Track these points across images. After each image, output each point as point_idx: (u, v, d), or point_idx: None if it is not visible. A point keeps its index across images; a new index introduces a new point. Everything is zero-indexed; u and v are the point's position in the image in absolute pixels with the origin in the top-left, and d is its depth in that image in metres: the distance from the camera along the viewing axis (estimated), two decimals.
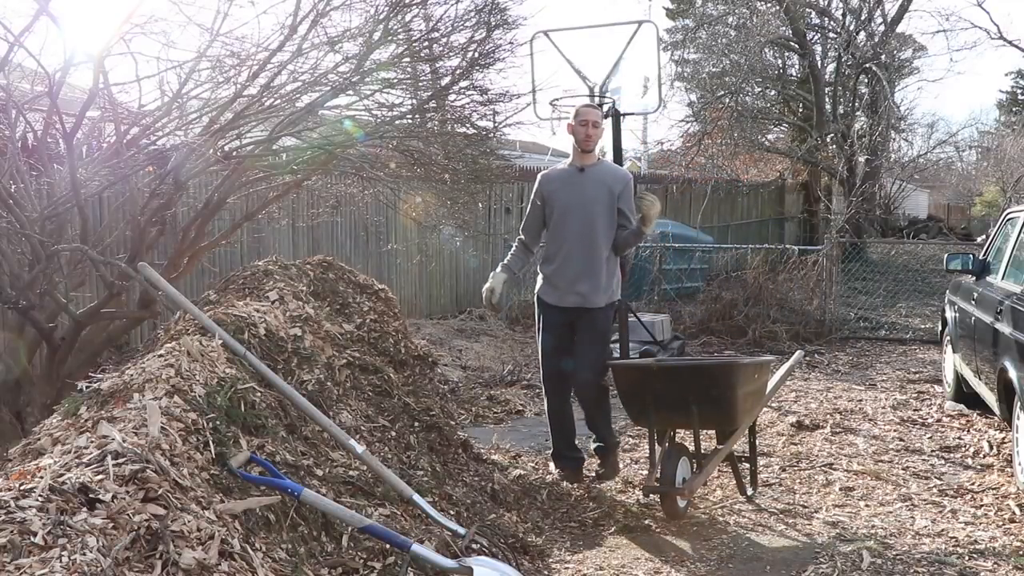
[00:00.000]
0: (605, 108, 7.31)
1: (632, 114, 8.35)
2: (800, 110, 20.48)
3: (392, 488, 3.28)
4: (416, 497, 3.14)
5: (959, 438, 5.85)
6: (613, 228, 4.70)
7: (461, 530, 3.11)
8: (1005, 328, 4.96)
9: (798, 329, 9.92)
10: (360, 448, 3.25)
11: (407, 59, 5.38)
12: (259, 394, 3.29)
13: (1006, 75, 43.38)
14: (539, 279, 4.89)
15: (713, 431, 4.62)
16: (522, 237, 4.97)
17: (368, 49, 4.93)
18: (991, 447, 5.52)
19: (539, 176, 4.92)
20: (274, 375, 3.37)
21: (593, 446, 4.90)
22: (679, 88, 17.84)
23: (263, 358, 3.55)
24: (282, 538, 2.83)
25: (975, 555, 3.82)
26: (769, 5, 17.59)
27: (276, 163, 5.39)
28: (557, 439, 4.87)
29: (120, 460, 2.44)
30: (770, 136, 21.12)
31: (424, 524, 3.40)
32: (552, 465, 4.91)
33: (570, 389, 4.83)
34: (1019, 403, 4.74)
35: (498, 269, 4.89)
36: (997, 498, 4.62)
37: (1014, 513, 4.37)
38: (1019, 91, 37.93)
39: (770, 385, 4.83)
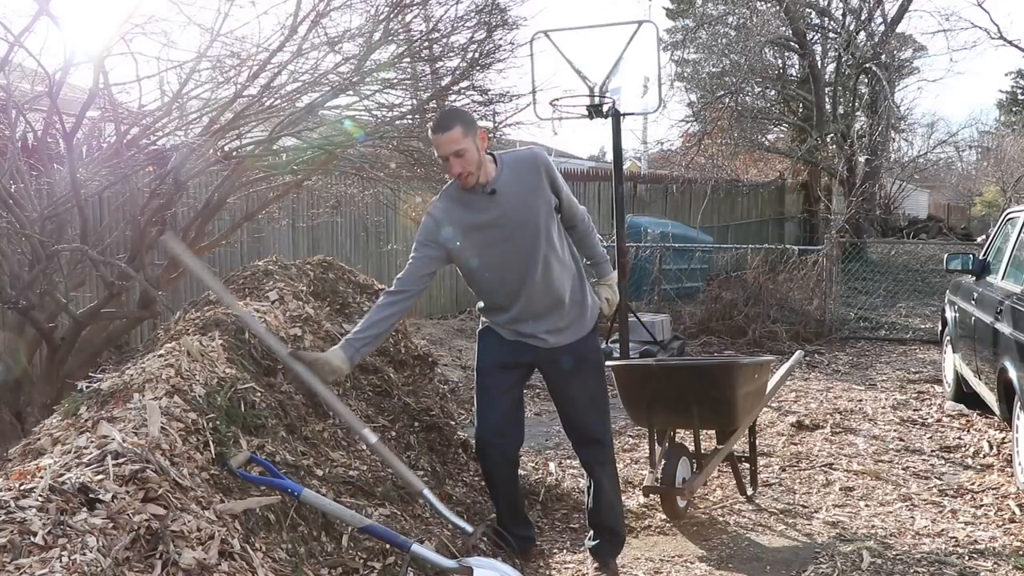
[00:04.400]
0: (605, 108, 7.34)
1: (632, 114, 8.36)
2: (800, 110, 20.47)
3: (403, 479, 3.16)
4: (427, 492, 3.08)
5: (959, 438, 5.85)
6: (561, 230, 3.43)
7: (468, 528, 3.10)
8: (1005, 328, 4.96)
9: (798, 329, 9.92)
10: (374, 438, 3.13)
11: (407, 59, 5.39)
12: (259, 394, 3.29)
13: (1006, 75, 43.38)
14: (483, 313, 3.58)
15: (713, 431, 4.62)
16: (396, 286, 3.32)
17: (368, 49, 4.94)
18: (991, 447, 5.52)
19: (429, 211, 3.37)
20: (279, 345, 3.21)
21: (591, 544, 3.60)
22: (679, 88, 17.84)
23: (263, 358, 3.55)
24: (282, 538, 2.83)
25: (975, 555, 3.82)
26: (769, 5, 17.59)
27: (276, 163, 5.40)
28: (503, 514, 3.68)
29: (120, 460, 2.44)
30: (770, 136, 21.12)
31: (424, 524, 3.40)
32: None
33: (517, 452, 3.65)
34: (1019, 403, 4.74)
35: (336, 348, 3.23)
36: (997, 498, 4.62)
37: (1014, 513, 4.37)
38: (1019, 91, 37.91)
39: (770, 385, 4.83)
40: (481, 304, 3.55)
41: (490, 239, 3.30)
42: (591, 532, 3.63)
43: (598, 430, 3.53)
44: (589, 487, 3.60)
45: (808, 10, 19.25)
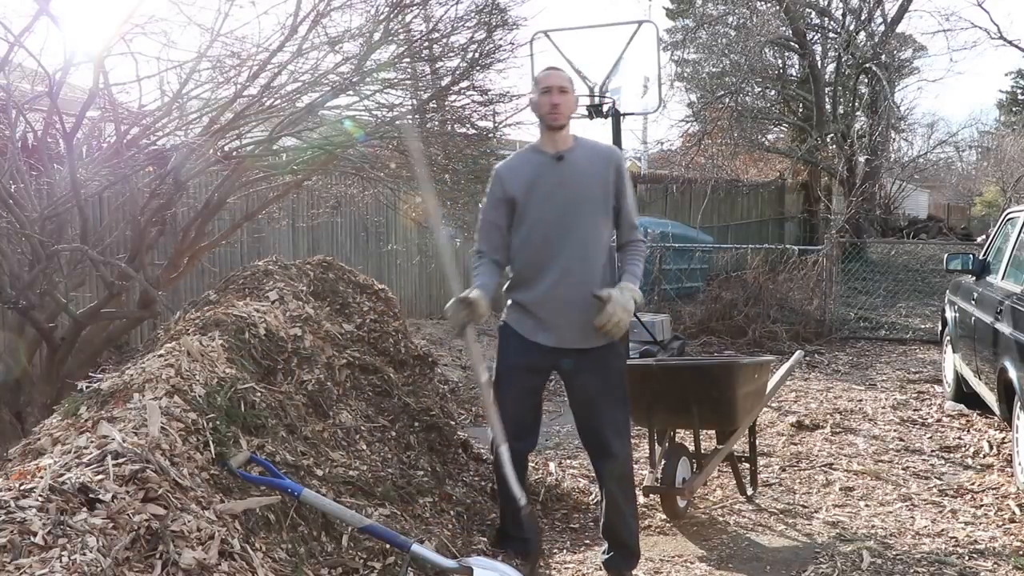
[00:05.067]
0: (605, 108, 7.34)
1: (632, 114, 8.35)
2: (800, 110, 20.48)
3: (494, 429, 3.27)
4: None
5: (959, 438, 5.85)
6: (611, 229, 3.50)
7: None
8: (1005, 328, 4.96)
9: (798, 329, 9.92)
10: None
11: (407, 59, 5.39)
12: (259, 394, 3.29)
13: (1006, 75, 43.35)
14: (508, 306, 3.57)
15: (713, 431, 4.62)
16: (483, 250, 3.52)
17: (368, 49, 4.94)
18: (991, 447, 5.52)
19: (496, 169, 3.57)
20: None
21: (604, 557, 3.53)
22: (679, 88, 17.84)
23: (263, 358, 3.55)
24: (282, 538, 2.83)
25: (975, 555, 3.82)
26: (769, 5, 17.59)
27: (276, 163, 5.40)
28: (506, 517, 3.63)
29: (120, 460, 2.44)
30: (770, 136, 21.12)
31: (424, 524, 3.40)
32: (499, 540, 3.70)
33: (526, 456, 3.66)
34: (1019, 403, 4.74)
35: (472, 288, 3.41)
36: (997, 498, 4.62)
37: (1014, 513, 4.37)
38: (1019, 91, 37.91)
39: (770, 385, 4.83)
40: (509, 281, 3.53)
41: (545, 198, 3.39)
42: (605, 545, 3.55)
43: (613, 443, 3.42)
44: (602, 501, 3.53)
45: (808, 10, 19.26)
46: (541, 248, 3.41)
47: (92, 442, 2.55)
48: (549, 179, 3.40)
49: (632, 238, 3.54)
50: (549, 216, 3.39)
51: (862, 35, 19.46)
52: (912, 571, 3.63)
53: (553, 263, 3.37)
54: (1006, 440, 5.53)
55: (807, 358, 8.62)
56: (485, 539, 3.65)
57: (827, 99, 19.08)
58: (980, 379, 5.69)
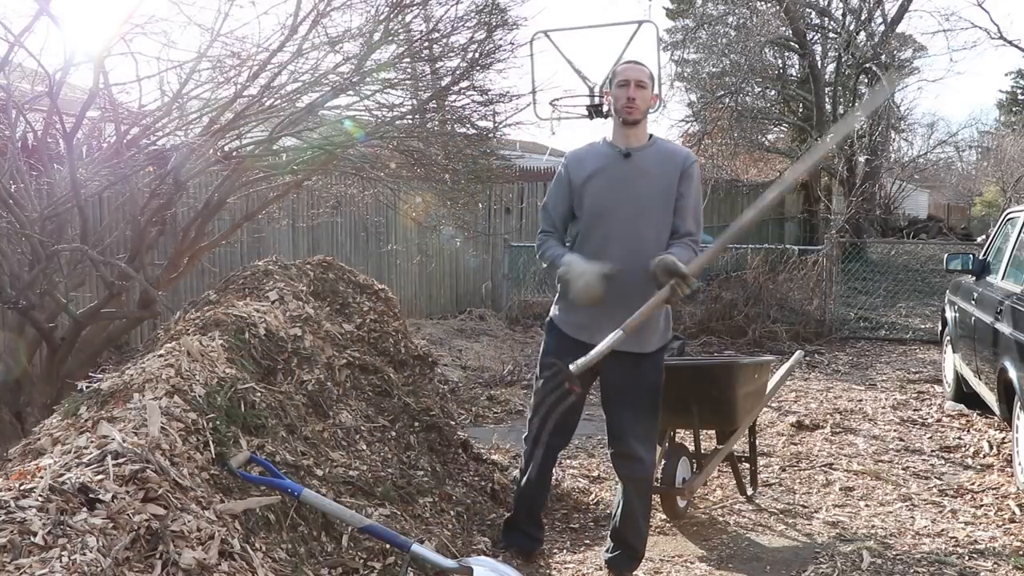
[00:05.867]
0: (605, 108, 7.34)
1: None
2: (800, 110, 20.50)
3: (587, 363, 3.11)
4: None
5: (959, 438, 5.85)
6: (669, 234, 3.39)
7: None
8: (1005, 328, 4.96)
9: (798, 329, 9.92)
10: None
11: (407, 59, 5.39)
12: (259, 394, 3.29)
13: (1006, 75, 43.39)
14: (555, 301, 3.59)
15: (713, 431, 4.62)
16: (547, 230, 3.53)
17: (368, 49, 4.94)
18: (991, 447, 5.52)
19: (567, 155, 3.56)
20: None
21: (608, 556, 3.55)
22: (679, 88, 17.87)
23: (263, 358, 3.55)
24: (282, 538, 2.83)
25: (975, 555, 3.82)
26: (769, 5, 17.60)
27: (276, 163, 5.40)
28: (520, 509, 3.71)
29: (120, 460, 2.44)
30: (770, 136, 21.14)
31: (424, 524, 3.40)
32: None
33: (555, 456, 3.71)
34: (1019, 403, 4.74)
35: (567, 258, 3.36)
36: (997, 498, 4.62)
37: (1014, 513, 4.37)
38: (1019, 91, 37.93)
39: (770, 385, 4.83)
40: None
41: (606, 192, 3.37)
42: (610, 544, 3.56)
43: (638, 448, 3.41)
44: (618, 502, 3.54)
45: (808, 10, 19.28)
46: (595, 243, 3.38)
47: (92, 442, 2.55)
48: (613, 174, 3.36)
49: (682, 233, 3.38)
50: (607, 212, 3.36)
51: (862, 35, 19.48)
52: (912, 571, 3.63)
53: (604, 260, 3.30)
54: (1006, 440, 5.54)
55: (807, 358, 8.62)
56: (485, 539, 3.65)
57: (827, 99, 19.09)
58: (980, 379, 5.69)
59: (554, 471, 4.65)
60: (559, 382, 3.13)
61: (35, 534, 2.11)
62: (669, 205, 3.35)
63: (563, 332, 3.48)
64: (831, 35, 19.83)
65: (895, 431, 6.05)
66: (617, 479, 3.60)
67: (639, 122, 3.37)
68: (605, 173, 3.37)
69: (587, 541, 4.02)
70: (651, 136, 3.46)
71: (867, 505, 4.56)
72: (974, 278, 6.28)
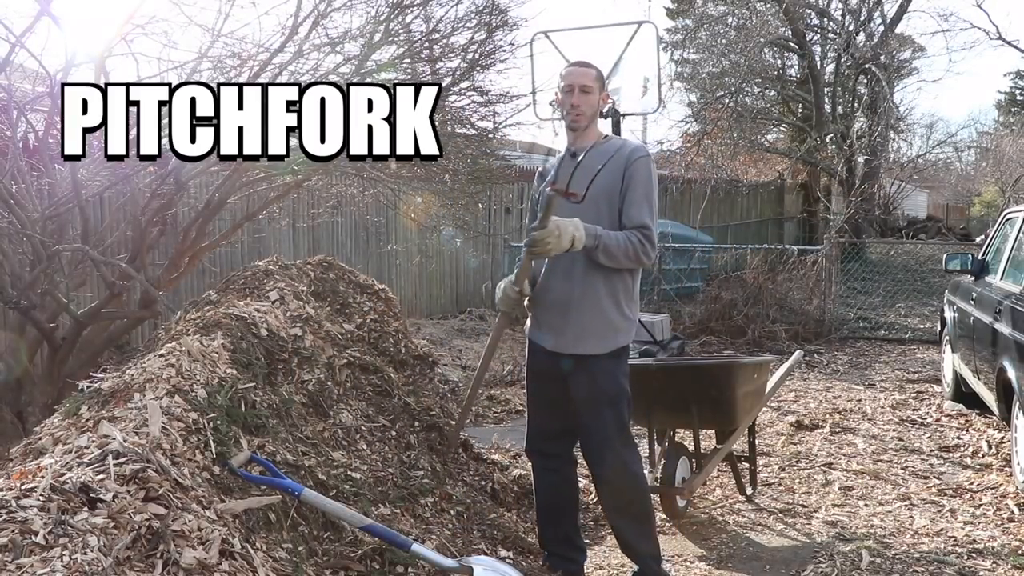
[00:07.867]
0: (605, 108, 7.35)
1: (632, 114, 8.38)
2: (800, 110, 20.50)
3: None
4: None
5: (958, 438, 5.86)
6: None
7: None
8: (1004, 328, 4.97)
9: (797, 329, 9.93)
10: None
11: (408, 60, 5.40)
12: (260, 394, 3.30)
13: (1005, 75, 43.37)
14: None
15: (713, 431, 4.63)
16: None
17: (369, 50, 4.95)
18: (990, 447, 5.53)
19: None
20: None
21: (633, 571, 3.48)
22: (679, 88, 17.86)
23: (264, 358, 3.56)
24: (283, 537, 2.84)
25: (974, 554, 3.83)
26: (769, 5, 17.61)
27: (277, 163, 5.40)
28: (542, 526, 3.58)
29: (121, 460, 2.44)
30: (770, 136, 21.15)
31: (424, 524, 3.41)
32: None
33: (563, 464, 3.56)
34: (1018, 403, 4.75)
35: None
36: (996, 498, 4.63)
37: (1013, 512, 4.38)
38: (1018, 91, 37.94)
39: (770, 385, 4.84)
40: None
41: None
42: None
43: (602, 472, 3.31)
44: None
45: (808, 11, 19.28)
46: None
47: (93, 442, 2.55)
48: (560, 175, 3.27)
49: (633, 225, 3.24)
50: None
51: (861, 35, 19.48)
52: (911, 570, 3.64)
53: (552, 262, 3.26)
54: (1005, 440, 5.54)
55: (806, 358, 8.63)
56: (485, 539, 3.65)
57: (826, 99, 19.09)
58: (979, 379, 5.70)
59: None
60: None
61: (36, 533, 2.11)
62: (614, 200, 3.25)
63: (529, 338, 3.49)
64: (830, 35, 19.82)
65: (894, 431, 6.06)
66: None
67: (584, 127, 3.33)
68: (555, 176, 3.32)
69: (587, 541, 4.03)
70: (606, 136, 3.42)
71: (866, 504, 4.57)
72: (973, 278, 6.28)
